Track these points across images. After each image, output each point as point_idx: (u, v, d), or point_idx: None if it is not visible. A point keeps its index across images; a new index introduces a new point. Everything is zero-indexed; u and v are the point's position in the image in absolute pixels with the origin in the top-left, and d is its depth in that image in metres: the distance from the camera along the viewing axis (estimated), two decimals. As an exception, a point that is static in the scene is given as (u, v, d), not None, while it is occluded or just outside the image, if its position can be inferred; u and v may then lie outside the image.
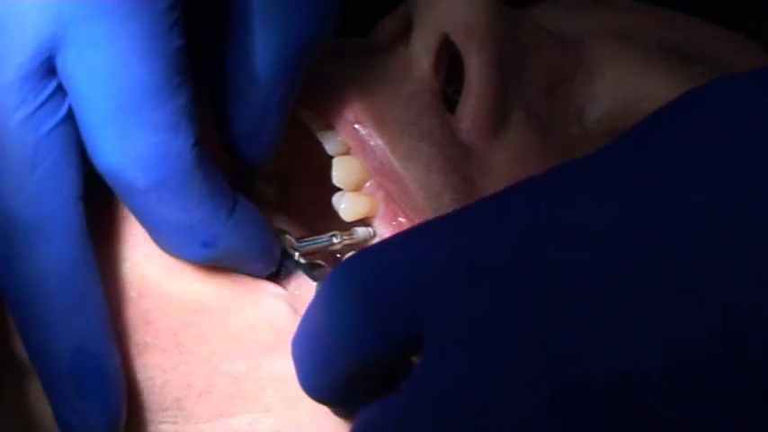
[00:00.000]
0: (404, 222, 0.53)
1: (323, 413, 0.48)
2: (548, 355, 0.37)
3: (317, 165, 0.57)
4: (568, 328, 0.37)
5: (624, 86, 0.55)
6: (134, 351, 0.49)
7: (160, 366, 0.49)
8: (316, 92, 0.52)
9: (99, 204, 0.49)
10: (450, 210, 0.51)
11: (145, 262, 0.49)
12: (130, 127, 0.44)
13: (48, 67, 0.45)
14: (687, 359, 0.35)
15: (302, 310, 0.50)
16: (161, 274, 0.49)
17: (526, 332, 0.37)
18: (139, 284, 0.49)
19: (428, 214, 0.51)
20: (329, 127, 0.53)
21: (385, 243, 0.42)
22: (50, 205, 0.45)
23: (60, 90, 0.45)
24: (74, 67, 0.44)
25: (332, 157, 0.54)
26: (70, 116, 0.45)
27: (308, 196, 0.58)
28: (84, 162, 0.46)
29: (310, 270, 0.51)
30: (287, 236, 0.52)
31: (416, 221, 0.52)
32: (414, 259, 0.40)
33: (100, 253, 0.48)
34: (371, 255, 0.42)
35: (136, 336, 0.49)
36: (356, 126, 0.52)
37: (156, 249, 0.49)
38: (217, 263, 0.49)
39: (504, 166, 0.52)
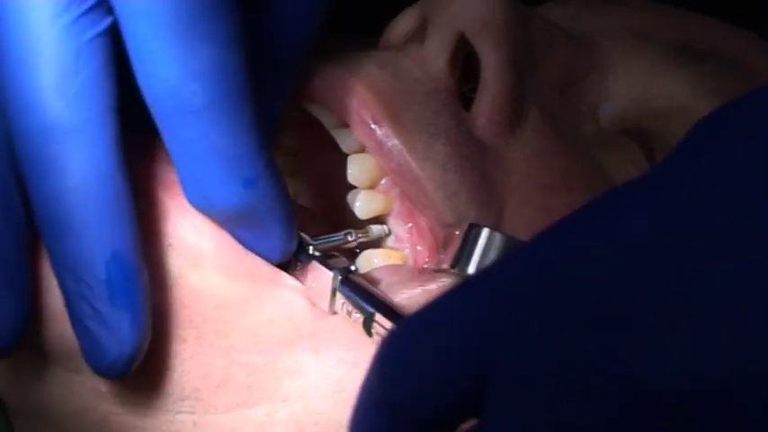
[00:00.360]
0: (422, 223, 0.53)
1: (341, 403, 0.48)
2: (610, 380, 0.35)
3: (329, 163, 0.57)
4: (626, 346, 0.35)
5: (637, 85, 0.56)
6: (154, 339, 0.49)
7: (180, 355, 0.49)
8: (331, 91, 0.52)
9: None
10: (466, 207, 0.51)
11: (167, 255, 0.49)
12: (192, 38, 0.45)
13: None
14: (746, 376, 0.35)
15: (319, 302, 0.50)
16: (183, 266, 0.49)
17: (576, 359, 0.35)
18: (162, 276, 0.49)
19: (445, 213, 0.51)
20: (344, 124, 0.53)
21: (433, 300, 0.40)
22: (91, 110, 0.46)
23: (102, 6, 0.46)
24: None
25: (345, 155, 0.54)
26: (111, 32, 0.46)
27: (320, 195, 0.58)
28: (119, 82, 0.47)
29: (325, 260, 0.51)
30: (301, 234, 0.52)
31: (432, 220, 0.52)
32: (469, 307, 0.37)
33: None
34: (425, 311, 0.39)
35: (157, 324, 0.49)
36: (373, 126, 0.52)
37: (178, 240, 0.49)
38: (246, 218, 0.48)
39: (521, 164, 0.52)
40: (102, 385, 0.50)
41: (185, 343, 0.49)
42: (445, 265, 0.49)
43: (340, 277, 0.50)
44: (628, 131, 0.55)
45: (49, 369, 0.50)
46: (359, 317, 0.48)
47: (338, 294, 0.49)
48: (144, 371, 0.48)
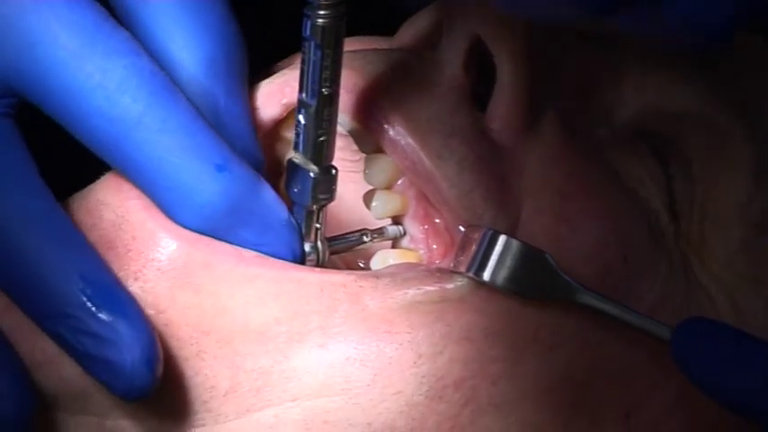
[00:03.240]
0: (438, 223, 0.53)
1: (349, 401, 0.49)
2: None
3: (344, 161, 0.57)
4: None
5: (652, 90, 0.55)
6: None
7: (183, 375, 0.49)
8: (345, 91, 0.53)
9: (102, 234, 0.50)
10: (482, 207, 0.51)
11: (157, 278, 0.49)
12: (99, 55, 0.48)
13: None
14: None
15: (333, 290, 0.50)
16: (175, 286, 0.49)
17: None
18: (155, 301, 0.49)
19: (460, 212, 0.51)
20: (359, 124, 0.53)
21: None
22: (1, 173, 0.48)
23: (2, 99, 0.49)
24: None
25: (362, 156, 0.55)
26: (10, 116, 0.49)
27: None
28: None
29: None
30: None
31: (448, 218, 0.52)
32: None
33: None
34: None
35: None
36: (386, 126, 0.52)
37: (166, 264, 0.49)
38: (237, 212, 0.49)
39: (537, 168, 0.52)
40: (107, 421, 0.50)
41: (187, 361, 0.49)
42: (462, 268, 0.50)
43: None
44: (641, 136, 0.55)
45: (53, 415, 0.50)
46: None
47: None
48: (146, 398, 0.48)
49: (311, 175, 0.50)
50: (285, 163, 0.52)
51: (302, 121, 0.50)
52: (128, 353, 0.46)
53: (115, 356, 0.46)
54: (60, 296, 0.47)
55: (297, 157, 0.51)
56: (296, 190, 0.51)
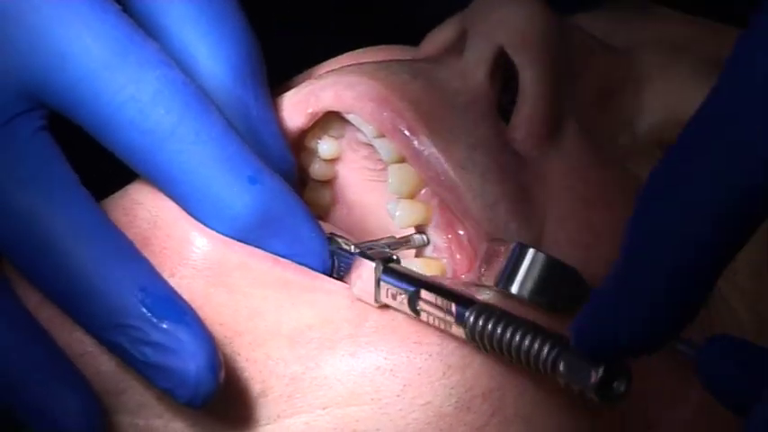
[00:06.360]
0: (461, 235, 0.54)
1: (378, 411, 0.49)
2: None
3: (367, 170, 0.58)
4: None
5: (673, 98, 0.56)
6: None
7: None
8: (364, 102, 0.53)
9: (138, 232, 0.50)
10: (506, 219, 0.51)
11: (192, 276, 0.50)
12: (131, 66, 0.48)
13: (18, 95, 0.49)
14: None
15: (365, 296, 0.50)
16: (209, 284, 0.50)
17: None
18: (190, 298, 0.49)
19: (484, 223, 0.52)
20: (383, 134, 0.54)
21: None
22: (48, 187, 0.48)
23: (35, 110, 0.49)
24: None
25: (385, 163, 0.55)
26: (45, 128, 0.49)
27: (359, 202, 0.59)
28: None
29: (366, 254, 0.52)
30: (340, 239, 0.53)
31: (471, 230, 0.53)
32: None
33: None
34: None
35: None
36: (409, 136, 0.52)
37: (201, 263, 0.50)
38: (268, 222, 0.49)
39: (560, 177, 0.53)
40: (139, 420, 0.50)
41: None
42: (487, 281, 0.50)
43: (382, 266, 0.50)
44: (664, 143, 0.56)
45: None
46: (404, 298, 0.49)
47: (382, 283, 0.50)
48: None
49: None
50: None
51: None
52: (191, 360, 0.47)
53: (179, 364, 0.47)
54: (120, 308, 0.47)
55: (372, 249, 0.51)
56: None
